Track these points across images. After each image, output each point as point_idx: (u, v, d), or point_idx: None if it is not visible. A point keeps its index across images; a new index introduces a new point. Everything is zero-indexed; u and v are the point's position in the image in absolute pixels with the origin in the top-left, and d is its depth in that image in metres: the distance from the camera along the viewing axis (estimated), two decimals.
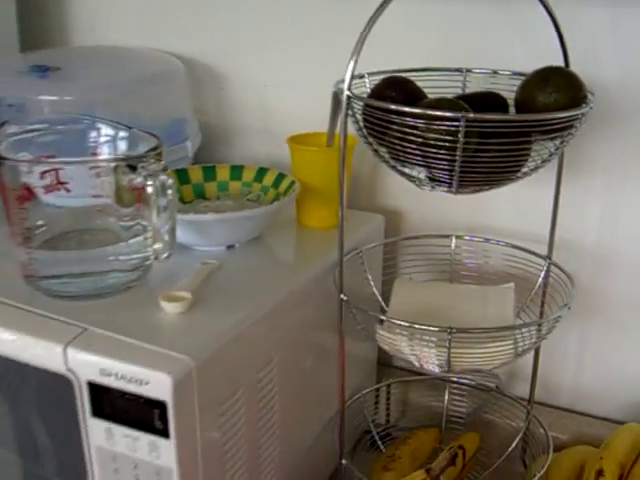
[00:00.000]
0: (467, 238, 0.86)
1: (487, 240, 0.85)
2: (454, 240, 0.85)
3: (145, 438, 0.59)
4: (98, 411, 0.60)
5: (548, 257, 0.78)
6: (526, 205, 0.87)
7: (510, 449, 0.84)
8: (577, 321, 0.88)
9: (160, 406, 0.57)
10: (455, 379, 0.92)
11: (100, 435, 0.61)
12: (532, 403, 0.85)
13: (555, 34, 0.69)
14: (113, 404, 0.59)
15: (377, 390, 0.95)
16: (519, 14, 0.81)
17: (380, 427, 0.92)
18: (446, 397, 0.92)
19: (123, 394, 0.58)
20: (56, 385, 0.61)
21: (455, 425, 0.92)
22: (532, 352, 0.83)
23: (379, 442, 0.89)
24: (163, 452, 0.58)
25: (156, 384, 0.56)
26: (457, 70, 0.78)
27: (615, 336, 0.89)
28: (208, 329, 0.63)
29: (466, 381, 0.92)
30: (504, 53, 0.81)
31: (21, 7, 1.08)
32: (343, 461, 0.79)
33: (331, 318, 0.75)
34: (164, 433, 0.58)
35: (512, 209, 0.89)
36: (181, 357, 0.58)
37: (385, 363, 1.00)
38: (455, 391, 0.93)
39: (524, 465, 0.87)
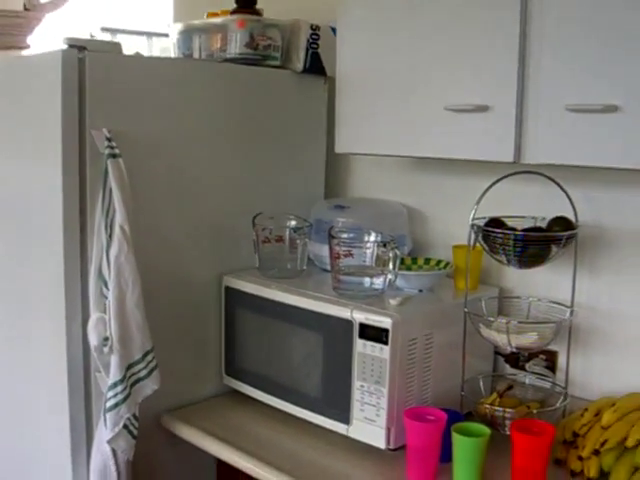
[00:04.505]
0: (531, 299, 1.74)
1: (540, 300, 1.72)
2: (530, 298, 1.73)
3: (377, 345, 1.52)
4: (361, 335, 1.54)
5: (570, 306, 1.63)
6: (560, 283, 1.71)
7: (553, 408, 1.65)
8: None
9: (385, 331, 1.50)
10: (528, 378, 1.75)
11: (360, 346, 1.55)
12: (567, 385, 1.66)
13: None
14: (367, 332, 1.53)
15: (491, 377, 1.79)
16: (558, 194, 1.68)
17: None
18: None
19: (372, 327, 1.52)
20: (344, 325, 1.57)
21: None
22: (565, 355, 1.66)
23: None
24: (384, 351, 1.51)
25: (386, 323, 1.50)
26: (532, 217, 1.68)
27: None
28: (407, 313, 1.57)
29: (530, 380, 1.75)
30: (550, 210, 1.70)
31: (326, 174, 2.15)
32: (462, 392, 1.65)
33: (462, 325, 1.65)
34: (386, 342, 1.50)
35: (555, 285, 1.74)
36: (395, 314, 1.52)
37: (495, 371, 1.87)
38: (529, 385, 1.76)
39: None
